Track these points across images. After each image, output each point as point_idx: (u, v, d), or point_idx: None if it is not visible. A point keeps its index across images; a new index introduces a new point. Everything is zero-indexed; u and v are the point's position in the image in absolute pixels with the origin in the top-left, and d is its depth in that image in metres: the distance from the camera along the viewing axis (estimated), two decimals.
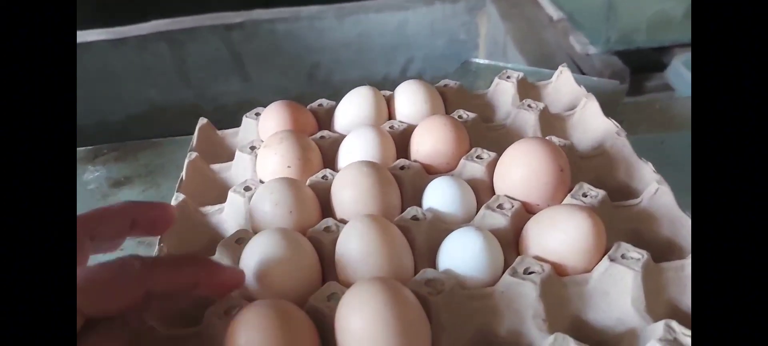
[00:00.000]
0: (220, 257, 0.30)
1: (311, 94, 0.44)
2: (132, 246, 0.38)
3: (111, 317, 0.22)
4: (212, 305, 0.26)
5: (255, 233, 0.29)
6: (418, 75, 1.10)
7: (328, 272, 0.29)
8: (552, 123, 0.39)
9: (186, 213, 0.34)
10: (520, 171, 0.31)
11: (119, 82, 0.79)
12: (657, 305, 0.26)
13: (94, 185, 0.47)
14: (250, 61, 1.08)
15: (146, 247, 0.37)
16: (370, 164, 0.32)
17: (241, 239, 0.30)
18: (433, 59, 1.13)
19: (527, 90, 0.42)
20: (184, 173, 0.37)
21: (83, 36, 0.88)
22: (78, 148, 0.52)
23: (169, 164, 0.46)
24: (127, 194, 0.45)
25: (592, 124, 0.38)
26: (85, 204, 0.44)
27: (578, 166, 0.34)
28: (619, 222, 0.30)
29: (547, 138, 0.35)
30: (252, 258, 0.27)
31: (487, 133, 0.39)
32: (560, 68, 0.42)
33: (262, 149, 0.35)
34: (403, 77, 0.39)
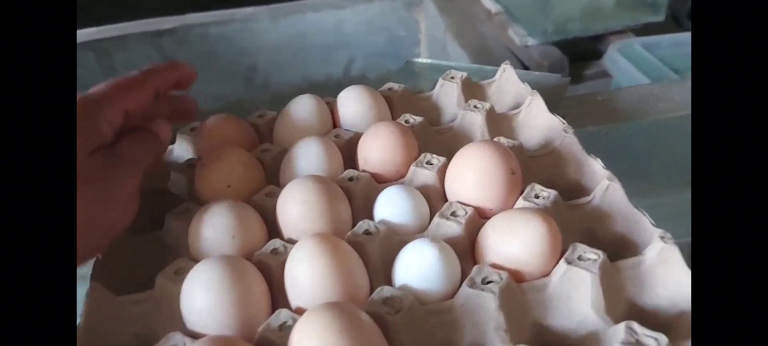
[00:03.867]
0: (160, 290, 0.27)
1: (250, 100, 0.42)
2: None
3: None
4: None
5: (196, 261, 0.27)
6: (360, 74, 1.09)
7: (279, 297, 0.27)
8: (499, 123, 0.38)
9: (117, 246, 0.31)
10: (472, 176, 0.30)
11: None
12: (616, 305, 0.26)
13: None
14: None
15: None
16: (316, 178, 0.30)
17: (180, 269, 0.28)
18: (374, 57, 1.11)
19: (472, 90, 0.42)
20: None
21: None
22: None
23: None
24: None
25: (538, 122, 0.37)
26: None
27: (528, 167, 0.34)
28: (573, 221, 0.30)
29: (495, 139, 0.34)
30: (193, 291, 0.25)
31: (435, 137, 0.38)
32: (503, 66, 0.42)
33: (198, 169, 0.33)
34: (345, 77, 0.38)
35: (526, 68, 0.82)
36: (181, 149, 0.39)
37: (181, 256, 0.29)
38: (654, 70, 0.71)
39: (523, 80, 0.41)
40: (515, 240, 0.26)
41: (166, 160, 0.39)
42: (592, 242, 0.27)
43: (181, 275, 0.27)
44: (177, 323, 0.26)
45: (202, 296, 0.25)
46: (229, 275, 0.25)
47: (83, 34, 0.93)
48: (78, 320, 0.26)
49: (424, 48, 1.08)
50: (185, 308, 0.26)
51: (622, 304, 0.26)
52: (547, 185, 0.31)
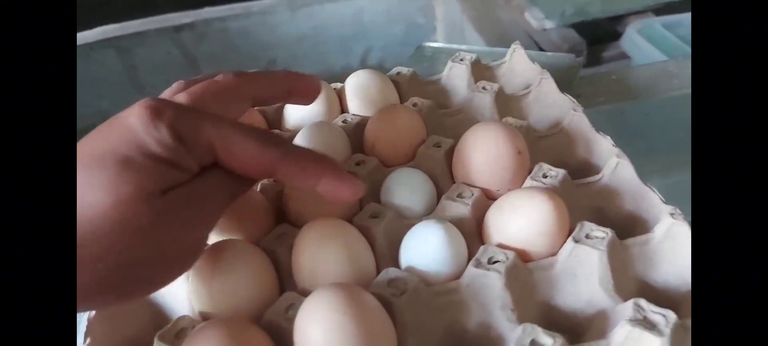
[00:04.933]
0: None
1: None
2: None
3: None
4: (163, 327, 0.25)
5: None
6: (378, 63, 1.09)
7: (286, 282, 0.27)
8: (508, 104, 0.38)
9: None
10: (478, 157, 0.30)
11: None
12: (625, 283, 0.25)
13: None
14: (205, 62, 1.05)
15: None
16: None
17: None
18: (392, 47, 1.11)
19: (482, 72, 0.41)
20: None
21: None
22: None
23: None
24: None
25: (548, 101, 0.37)
26: None
27: (537, 147, 0.34)
28: (582, 200, 0.30)
29: (503, 120, 0.34)
30: (201, 274, 0.26)
31: (443, 120, 0.38)
32: (513, 46, 0.42)
33: None
34: (362, 67, 0.38)
35: (542, 51, 0.81)
36: None
37: None
38: (675, 50, 0.70)
39: (533, 61, 0.41)
40: (521, 219, 0.26)
41: None
42: (602, 221, 0.26)
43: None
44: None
45: (210, 281, 0.25)
46: (236, 258, 0.26)
47: (104, 32, 0.95)
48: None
49: (441, 34, 1.07)
50: (194, 296, 0.26)
51: (631, 282, 0.26)
52: (557, 164, 0.30)
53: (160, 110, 0.21)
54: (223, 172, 0.23)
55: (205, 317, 0.26)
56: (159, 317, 0.28)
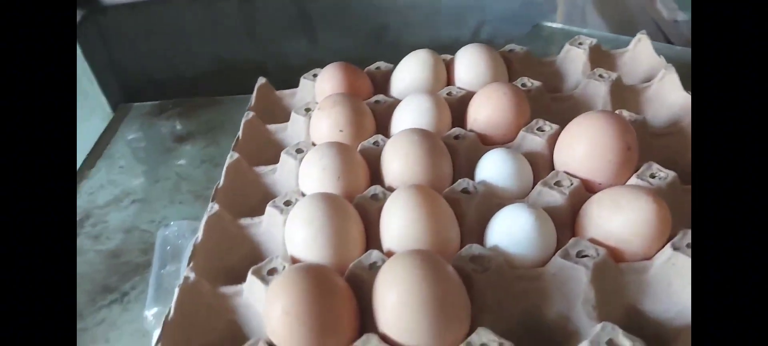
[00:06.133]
0: (267, 216, 0.30)
1: (377, 56, 0.43)
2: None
3: None
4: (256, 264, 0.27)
5: (304, 196, 0.29)
6: (489, 38, 1.06)
7: (373, 240, 0.28)
8: (625, 96, 0.36)
9: (240, 172, 0.34)
10: (583, 147, 0.29)
11: (190, 39, 0.80)
12: None
13: (159, 139, 0.48)
14: (318, 21, 1.08)
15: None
16: (422, 132, 0.31)
17: (288, 202, 0.30)
18: (507, 22, 1.08)
19: (601, 58, 0.39)
20: (240, 132, 0.37)
21: None
22: (148, 103, 0.54)
23: (228, 123, 0.47)
24: (188, 149, 0.46)
25: (669, 98, 0.35)
26: (150, 157, 0.46)
27: (649, 144, 0.32)
28: (689, 208, 0.28)
29: (616, 112, 0.32)
30: (296, 221, 0.27)
31: (552, 105, 0.36)
32: (638, 35, 0.39)
33: (315, 112, 0.35)
34: (474, 41, 0.37)
35: (670, 44, 0.75)
36: (303, 93, 0.41)
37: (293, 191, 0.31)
38: None
39: (659, 54, 0.38)
40: (619, 217, 0.25)
41: (288, 104, 0.41)
42: None
43: (289, 206, 0.29)
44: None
45: (303, 229, 0.27)
46: (329, 212, 0.27)
47: None
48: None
49: (561, 13, 1.02)
50: (288, 240, 0.28)
51: None
52: (668, 165, 0.29)
53: None
54: None
55: (295, 260, 0.27)
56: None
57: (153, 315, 0.31)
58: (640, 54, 0.39)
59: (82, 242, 0.38)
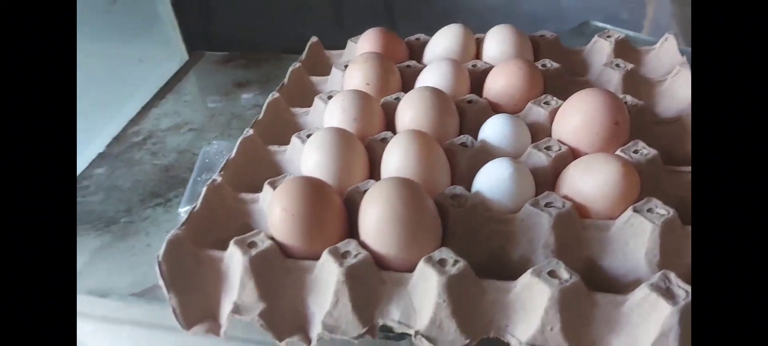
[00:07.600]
0: (291, 145, 0.34)
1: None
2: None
3: None
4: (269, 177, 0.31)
5: None
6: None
7: (376, 176, 0.32)
8: (639, 87, 0.38)
9: (279, 110, 0.39)
10: (576, 119, 0.31)
11: (280, 17, 0.86)
12: (675, 266, 0.26)
13: (222, 84, 0.54)
14: (400, 11, 1.11)
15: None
16: (434, 90, 0.34)
17: (310, 134, 0.34)
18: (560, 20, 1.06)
19: (626, 52, 0.41)
20: (286, 79, 0.42)
21: None
22: (219, 53, 0.60)
23: (284, 75, 0.52)
24: (245, 95, 0.52)
25: (680, 93, 0.36)
26: (212, 96, 0.52)
27: (650, 131, 0.33)
28: (666, 186, 0.30)
29: (620, 96, 0.34)
30: (310, 147, 0.32)
31: (569, 87, 0.39)
32: (666, 35, 0.41)
33: (349, 66, 0.39)
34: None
35: None
36: (349, 55, 0.46)
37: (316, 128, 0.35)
38: None
39: (683, 54, 0.40)
40: (589, 178, 0.28)
41: (334, 63, 0.46)
42: (683, 211, 0.27)
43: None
44: None
45: (315, 153, 0.31)
46: (339, 143, 0.31)
47: None
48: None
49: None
50: (302, 163, 0.32)
51: (683, 268, 0.26)
52: (665, 152, 0.30)
53: None
54: None
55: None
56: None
57: (185, 211, 0.36)
58: (665, 52, 0.40)
59: (142, 155, 0.44)
